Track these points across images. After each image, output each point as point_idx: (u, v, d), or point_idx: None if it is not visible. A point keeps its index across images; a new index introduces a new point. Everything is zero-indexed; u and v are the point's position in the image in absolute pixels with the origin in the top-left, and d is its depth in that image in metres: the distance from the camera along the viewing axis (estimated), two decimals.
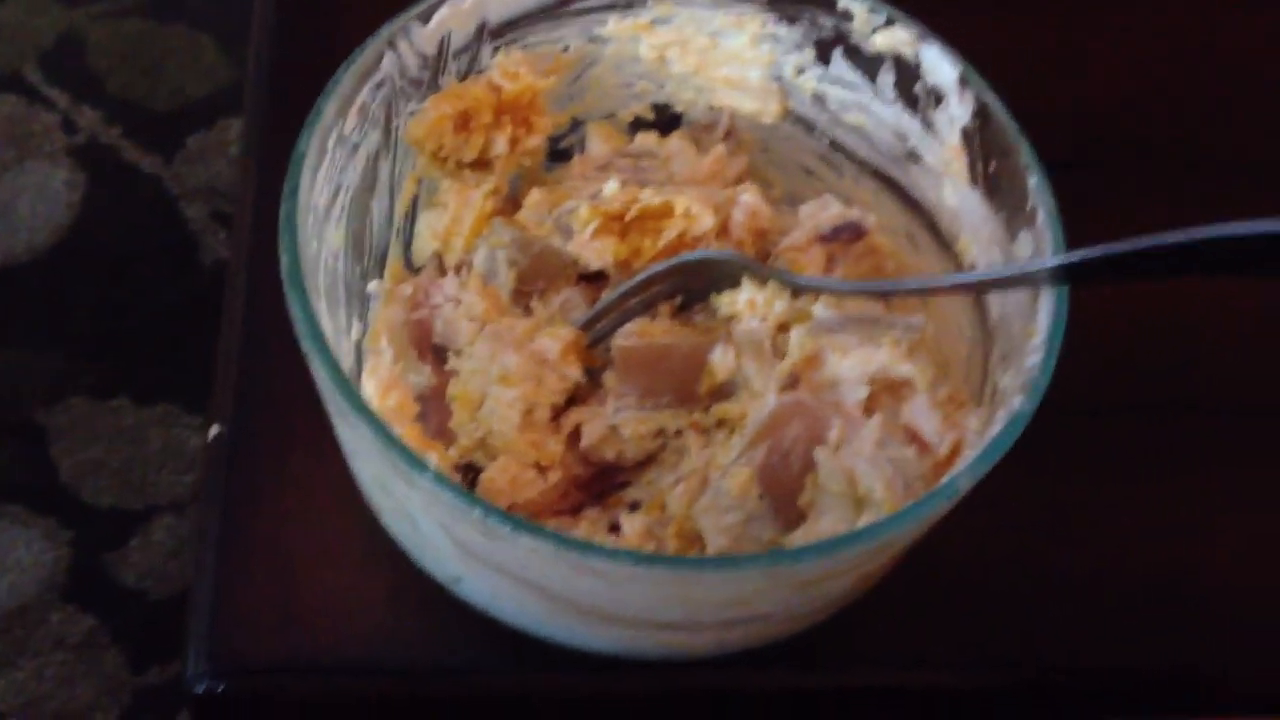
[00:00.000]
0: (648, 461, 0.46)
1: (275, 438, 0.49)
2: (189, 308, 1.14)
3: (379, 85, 0.45)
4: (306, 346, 0.39)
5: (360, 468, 0.42)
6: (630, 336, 0.46)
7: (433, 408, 0.47)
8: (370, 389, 0.43)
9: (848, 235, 0.47)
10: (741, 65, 0.50)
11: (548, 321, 0.46)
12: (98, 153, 1.21)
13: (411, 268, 0.50)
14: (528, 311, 0.48)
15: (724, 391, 0.45)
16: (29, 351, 1.11)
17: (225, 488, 0.48)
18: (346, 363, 0.44)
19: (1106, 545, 0.50)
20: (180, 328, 1.13)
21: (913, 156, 0.49)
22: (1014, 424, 0.40)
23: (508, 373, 0.44)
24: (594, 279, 0.49)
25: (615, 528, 0.45)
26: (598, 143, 0.52)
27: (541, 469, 0.45)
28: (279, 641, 0.45)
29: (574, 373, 0.45)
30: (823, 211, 0.48)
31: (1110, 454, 0.52)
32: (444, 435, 0.46)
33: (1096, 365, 0.52)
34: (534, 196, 0.49)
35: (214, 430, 0.49)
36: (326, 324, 0.41)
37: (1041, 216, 0.44)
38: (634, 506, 0.46)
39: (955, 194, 0.48)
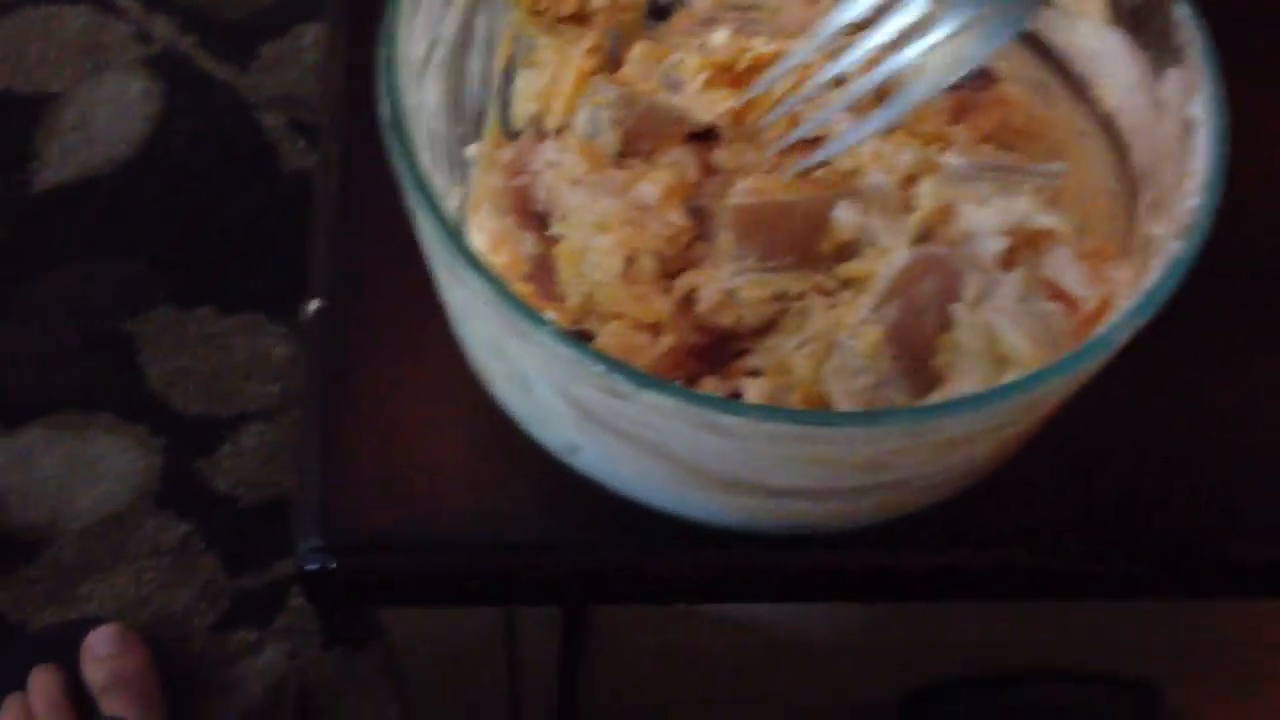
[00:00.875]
0: (767, 327, 0.44)
1: (375, 311, 0.47)
2: (268, 217, 1.13)
3: None
4: (411, 198, 0.37)
5: (470, 331, 0.40)
6: (747, 195, 0.43)
7: (537, 277, 0.45)
8: (479, 244, 0.41)
9: (977, 82, 0.44)
10: None
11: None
12: (173, 62, 1.19)
13: (510, 132, 0.47)
14: None
15: (848, 251, 0.43)
16: (112, 262, 1.10)
17: (326, 364, 0.46)
18: None
19: (1249, 426, 0.47)
20: (260, 237, 1.12)
21: None
22: (1174, 269, 0.37)
23: (605, 219, 0.42)
24: (703, 137, 0.46)
25: (736, 396, 0.43)
26: None
27: (654, 332, 0.43)
28: (390, 518, 0.44)
29: (677, 218, 0.42)
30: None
31: (1257, 325, 0.49)
32: (551, 302, 0.44)
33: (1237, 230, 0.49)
34: (637, 51, 0.46)
35: (313, 305, 0.47)
36: (430, 177, 0.39)
37: (1193, 51, 0.40)
38: (754, 375, 0.43)
39: (1092, 35, 0.44)
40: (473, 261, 0.36)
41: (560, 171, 0.45)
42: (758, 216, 0.43)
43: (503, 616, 0.51)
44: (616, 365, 0.35)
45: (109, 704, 0.88)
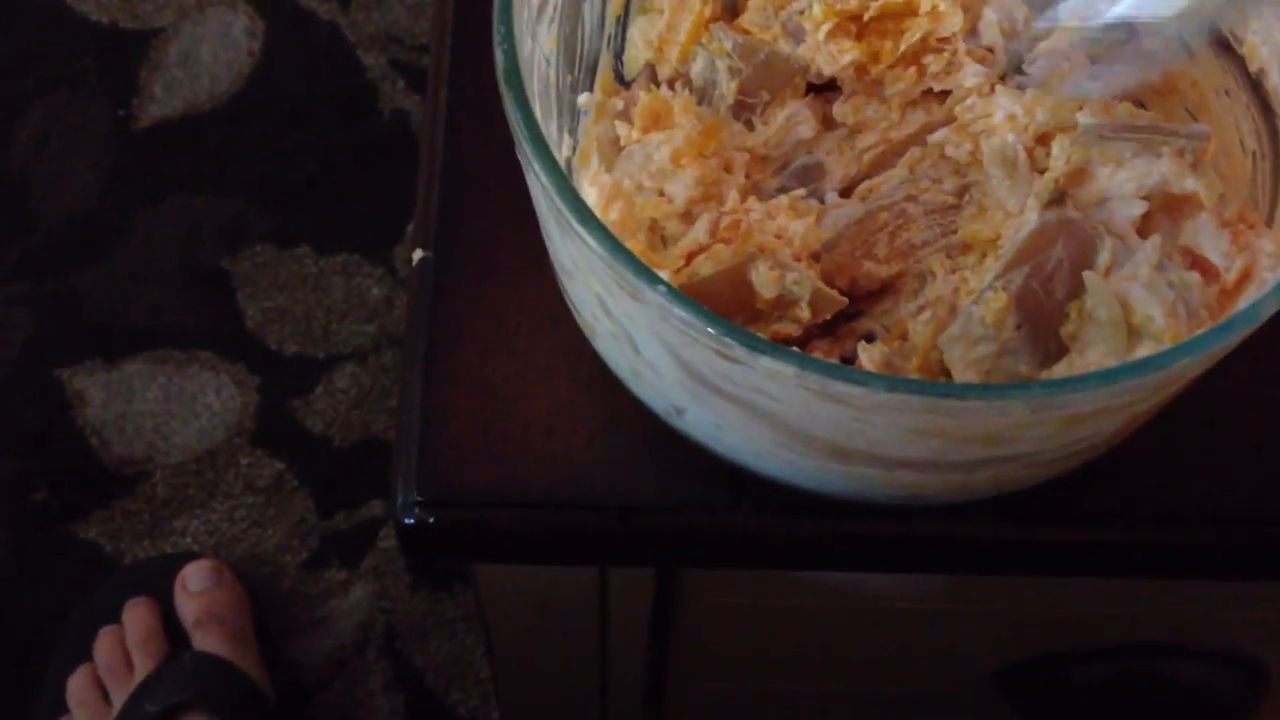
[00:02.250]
0: (884, 290, 0.42)
1: (479, 263, 0.46)
2: (367, 157, 1.13)
3: None
4: (524, 149, 0.36)
5: (579, 287, 0.39)
6: (678, 274, 0.40)
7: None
8: (592, 199, 0.40)
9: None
10: None
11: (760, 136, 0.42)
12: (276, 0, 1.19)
13: (623, 80, 0.46)
14: (749, 126, 0.44)
15: (786, 301, 0.40)
16: (212, 199, 1.11)
17: (429, 316, 0.45)
18: None
19: None
20: (359, 177, 1.12)
21: None
22: None
23: (609, 194, 0.40)
24: (824, 90, 0.44)
25: (848, 361, 0.42)
26: None
27: None
28: (489, 472, 0.43)
29: (686, 182, 0.40)
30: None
31: None
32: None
33: None
34: None
35: (418, 255, 0.46)
36: (542, 128, 0.38)
37: None
38: (869, 339, 0.42)
39: None
40: (587, 217, 0.35)
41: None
42: (693, 292, 0.40)
43: (596, 574, 0.50)
44: (732, 329, 0.34)
45: (201, 639, 0.89)
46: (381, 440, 1.02)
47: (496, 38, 0.37)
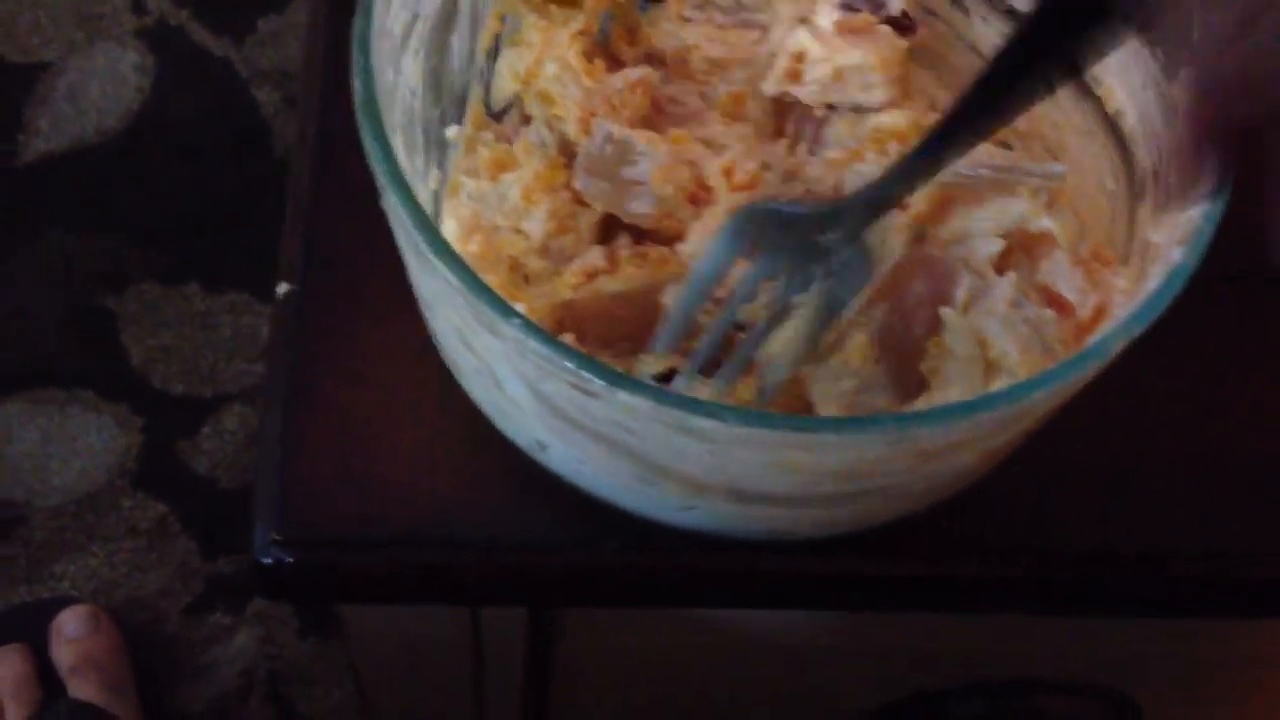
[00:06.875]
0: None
1: (345, 297, 0.45)
2: (260, 194, 1.11)
3: None
4: (381, 181, 0.35)
5: (439, 320, 0.39)
6: (576, 289, 0.41)
7: None
8: (451, 231, 0.39)
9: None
10: None
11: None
12: (167, 35, 1.17)
13: (493, 113, 0.46)
14: None
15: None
16: (98, 236, 1.08)
17: (293, 348, 0.45)
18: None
19: (1251, 435, 0.45)
20: (250, 214, 1.10)
21: None
22: (1174, 278, 0.35)
23: (463, 222, 0.40)
24: None
25: None
26: None
27: None
28: (351, 512, 0.42)
29: (539, 215, 0.40)
30: None
31: (1259, 333, 0.47)
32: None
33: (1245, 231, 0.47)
34: None
35: (282, 288, 0.45)
36: (404, 160, 0.37)
37: None
38: None
39: None
40: (441, 248, 0.34)
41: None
42: (587, 310, 0.40)
43: (467, 615, 0.49)
44: (588, 362, 0.33)
45: (76, 686, 0.86)
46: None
47: (354, 66, 0.36)
